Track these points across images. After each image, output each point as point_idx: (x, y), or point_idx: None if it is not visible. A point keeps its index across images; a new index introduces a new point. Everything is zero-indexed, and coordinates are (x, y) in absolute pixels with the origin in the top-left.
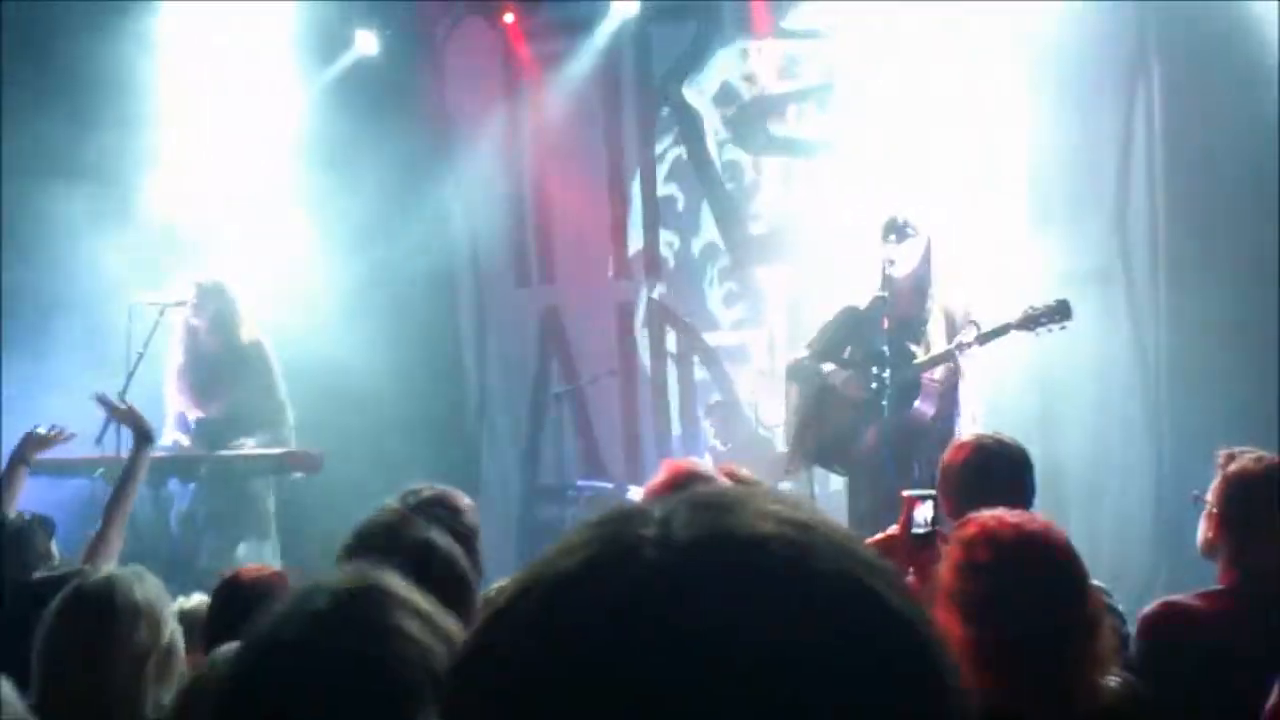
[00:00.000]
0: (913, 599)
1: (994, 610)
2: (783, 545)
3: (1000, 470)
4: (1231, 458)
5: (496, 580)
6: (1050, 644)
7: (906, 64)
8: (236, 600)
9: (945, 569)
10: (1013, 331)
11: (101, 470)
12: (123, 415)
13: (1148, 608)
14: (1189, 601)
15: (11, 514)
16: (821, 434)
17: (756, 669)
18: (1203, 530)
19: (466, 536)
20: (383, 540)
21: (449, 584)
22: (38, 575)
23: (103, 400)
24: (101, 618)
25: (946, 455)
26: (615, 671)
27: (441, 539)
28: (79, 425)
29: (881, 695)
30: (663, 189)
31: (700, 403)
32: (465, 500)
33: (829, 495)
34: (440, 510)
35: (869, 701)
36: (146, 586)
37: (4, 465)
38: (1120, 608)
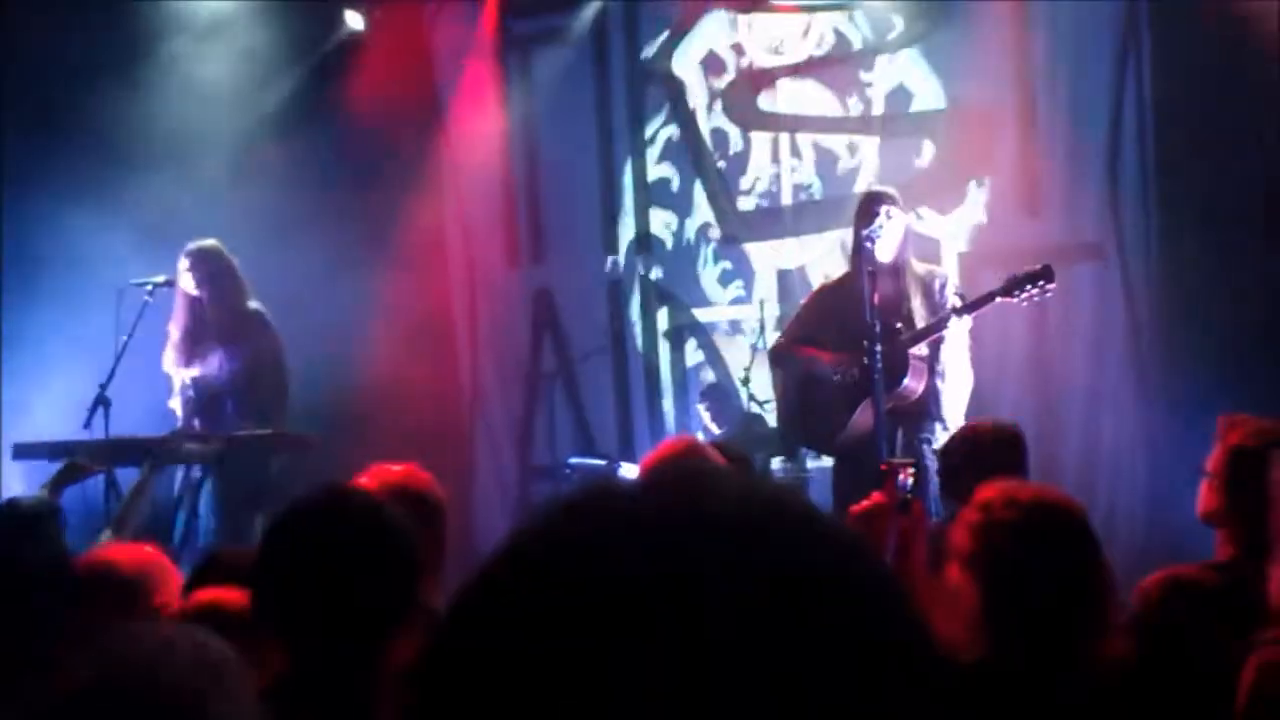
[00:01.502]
0: (890, 573)
1: (1010, 569)
2: (758, 516)
3: (996, 454)
4: (1231, 426)
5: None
6: (1061, 606)
7: (895, 39)
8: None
9: (960, 530)
10: (997, 299)
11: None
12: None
13: (1148, 578)
14: (1190, 572)
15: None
16: (808, 419)
17: (741, 644)
18: (1202, 499)
19: (429, 512)
20: (318, 509)
21: (388, 553)
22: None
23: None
24: (109, 598)
25: (946, 441)
26: (582, 638)
27: (379, 509)
28: (65, 409)
29: (867, 667)
30: (655, 167)
31: (693, 380)
32: (426, 476)
33: (823, 471)
34: (402, 488)
35: (853, 675)
36: (149, 564)
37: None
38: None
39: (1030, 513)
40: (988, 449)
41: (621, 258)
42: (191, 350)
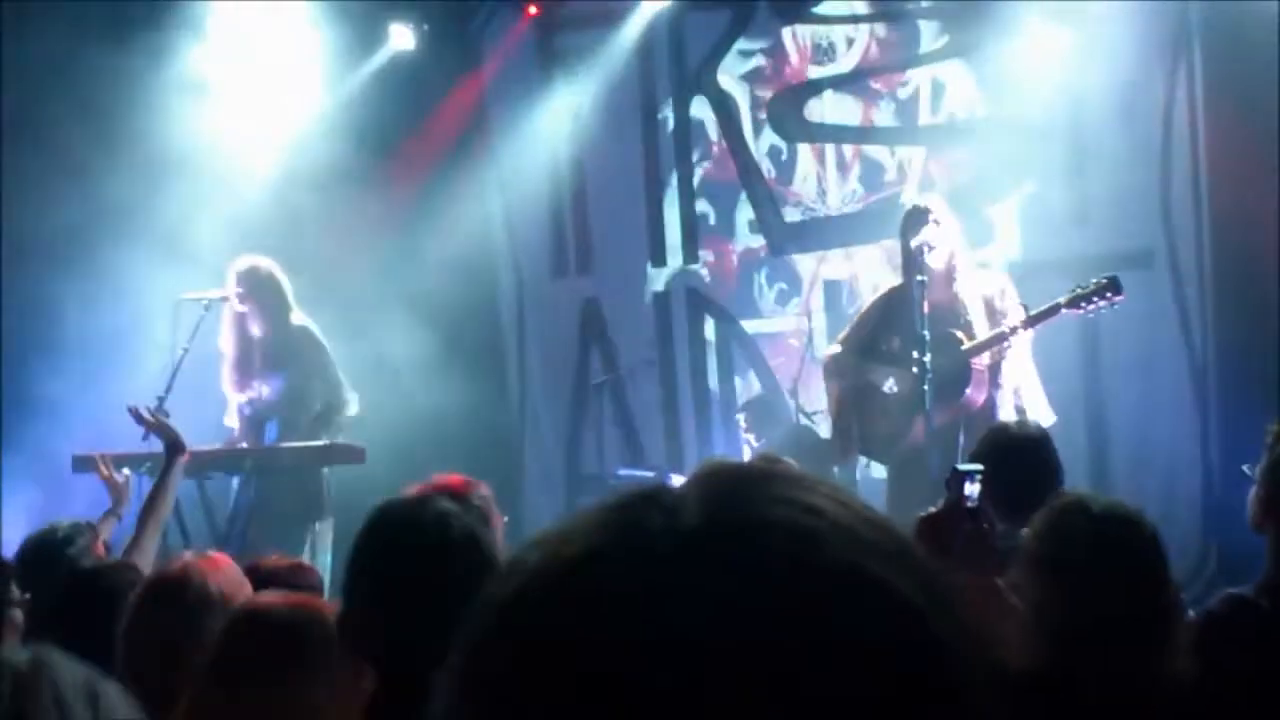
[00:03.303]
0: (931, 585)
1: (1075, 578)
2: (789, 534)
3: (1020, 454)
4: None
5: None
6: (1123, 619)
7: (940, 49)
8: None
9: (1032, 535)
10: (1063, 311)
11: (148, 465)
12: (152, 426)
13: (1212, 602)
14: (1250, 595)
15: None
16: (865, 428)
17: (751, 663)
18: (1252, 507)
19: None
20: (402, 517)
21: (470, 557)
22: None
23: (134, 412)
24: (182, 610)
25: (975, 446)
26: (611, 663)
27: (460, 515)
28: (124, 421)
29: (881, 689)
30: (701, 177)
31: (740, 391)
32: (482, 489)
33: (872, 483)
34: (451, 496)
35: (867, 695)
36: (223, 575)
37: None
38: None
39: (1100, 523)
40: (1012, 450)
41: (670, 268)
42: (245, 372)
